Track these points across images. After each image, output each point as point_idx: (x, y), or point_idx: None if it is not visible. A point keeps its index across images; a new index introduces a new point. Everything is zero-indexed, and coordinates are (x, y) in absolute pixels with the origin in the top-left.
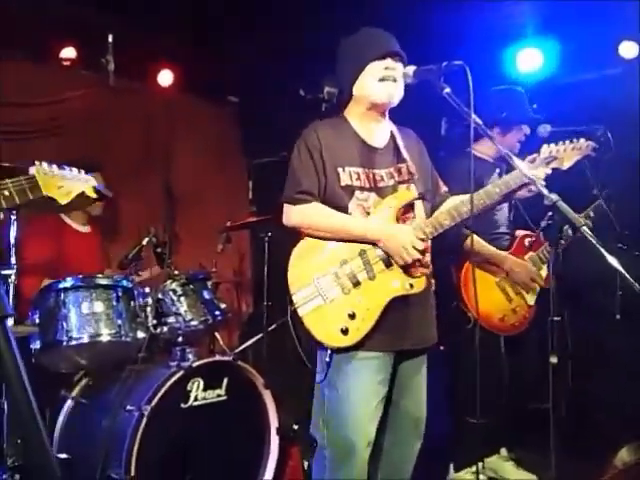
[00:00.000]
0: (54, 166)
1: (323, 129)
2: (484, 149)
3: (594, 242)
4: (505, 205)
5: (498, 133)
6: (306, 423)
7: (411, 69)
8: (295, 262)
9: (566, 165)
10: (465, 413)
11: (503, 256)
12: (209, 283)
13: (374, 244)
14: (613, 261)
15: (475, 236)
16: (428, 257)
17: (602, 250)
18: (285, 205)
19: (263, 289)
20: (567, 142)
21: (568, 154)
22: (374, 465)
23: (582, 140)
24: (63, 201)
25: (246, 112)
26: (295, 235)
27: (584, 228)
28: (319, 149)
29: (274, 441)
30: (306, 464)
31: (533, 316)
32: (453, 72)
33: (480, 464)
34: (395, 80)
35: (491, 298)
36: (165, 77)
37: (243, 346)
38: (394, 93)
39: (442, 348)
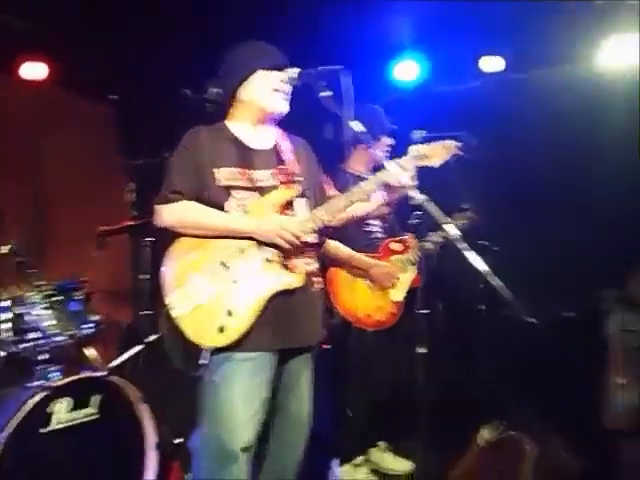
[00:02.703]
0: None
1: (200, 133)
2: (356, 165)
3: (454, 239)
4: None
5: (363, 148)
6: (190, 436)
7: (295, 71)
8: (170, 263)
9: (436, 162)
10: (344, 407)
11: (357, 257)
12: (78, 293)
13: (250, 238)
14: (472, 257)
15: (336, 242)
16: (312, 254)
17: (460, 247)
18: (157, 206)
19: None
20: (438, 142)
21: (438, 151)
22: (257, 472)
23: (449, 140)
24: None
25: (127, 111)
26: (175, 236)
27: (447, 226)
28: (195, 151)
29: (153, 457)
30: (188, 478)
31: (402, 312)
32: (334, 78)
33: (362, 457)
34: (287, 92)
35: (356, 296)
36: (36, 71)
37: (119, 360)
38: (285, 105)
39: (327, 346)
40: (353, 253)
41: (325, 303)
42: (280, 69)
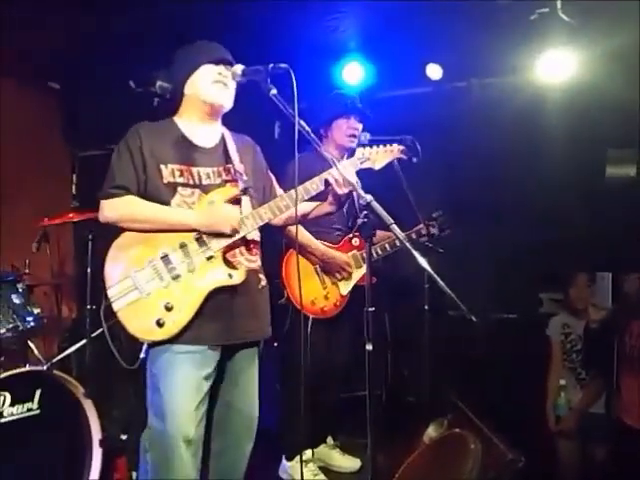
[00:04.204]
0: None
1: (146, 129)
2: (329, 149)
3: (401, 239)
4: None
5: (324, 136)
6: (136, 432)
7: (240, 67)
8: (112, 256)
9: (378, 166)
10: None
11: (317, 245)
12: (20, 286)
13: (193, 232)
14: (419, 257)
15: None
16: (255, 251)
17: (409, 246)
18: (100, 202)
19: (86, 292)
20: (381, 145)
21: (380, 156)
22: (205, 468)
23: (395, 144)
24: None
25: (70, 101)
26: (120, 231)
27: (393, 226)
28: (139, 147)
29: (97, 453)
30: (134, 475)
31: (345, 306)
32: (281, 76)
33: (309, 452)
34: (226, 85)
35: (307, 281)
36: None
37: (63, 354)
38: (225, 96)
39: (275, 344)
40: (313, 240)
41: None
42: (221, 63)
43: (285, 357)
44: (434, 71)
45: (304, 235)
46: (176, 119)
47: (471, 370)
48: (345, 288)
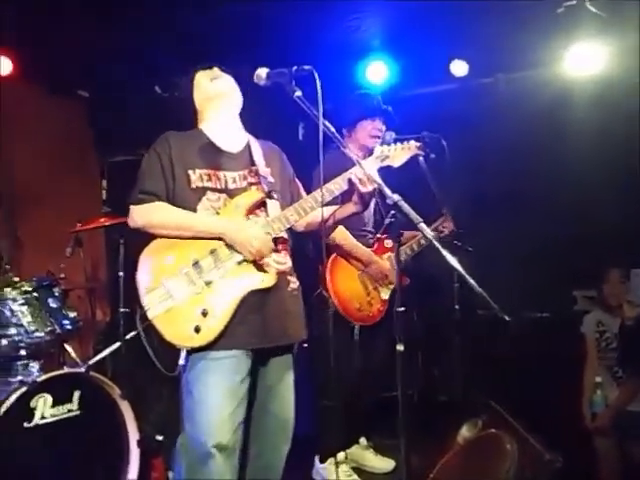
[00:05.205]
0: None
1: (175, 136)
2: (352, 149)
3: (430, 238)
4: (372, 207)
5: (347, 136)
6: (171, 433)
7: (264, 71)
8: (144, 263)
9: (397, 163)
10: (324, 398)
11: (363, 251)
12: (56, 290)
13: (221, 239)
14: (448, 256)
15: (342, 228)
16: (284, 254)
17: (438, 245)
18: (130, 207)
19: (119, 295)
20: (398, 143)
21: (398, 153)
22: (242, 471)
23: (412, 141)
24: None
25: (99, 107)
26: (150, 237)
27: (422, 225)
28: (168, 153)
29: (135, 453)
30: (171, 474)
31: (386, 310)
32: (305, 78)
33: (343, 454)
34: (221, 77)
35: (351, 288)
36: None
37: (98, 357)
38: (224, 89)
39: (305, 345)
40: (358, 245)
41: (321, 294)
42: (215, 66)
43: (326, 362)
44: (459, 67)
45: (349, 240)
46: (202, 127)
47: (504, 369)
48: (386, 293)
